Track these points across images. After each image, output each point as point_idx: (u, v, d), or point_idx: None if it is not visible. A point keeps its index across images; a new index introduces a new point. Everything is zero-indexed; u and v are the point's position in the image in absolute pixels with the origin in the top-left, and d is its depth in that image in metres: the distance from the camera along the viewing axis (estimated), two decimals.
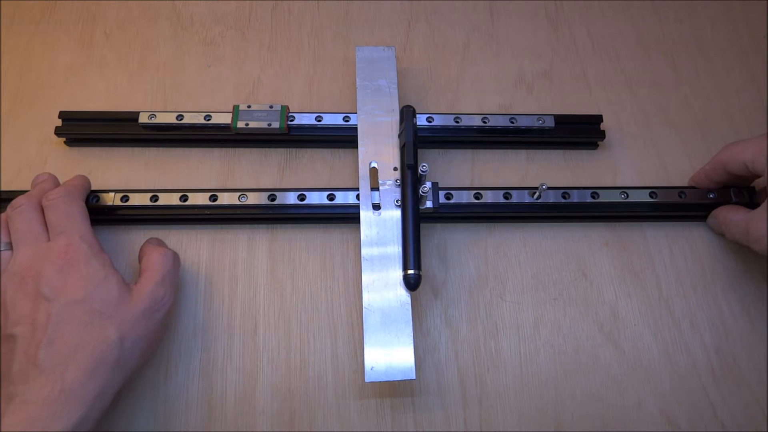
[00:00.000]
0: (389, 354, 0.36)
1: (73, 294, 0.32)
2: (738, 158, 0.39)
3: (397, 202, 0.40)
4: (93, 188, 0.42)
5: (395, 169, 0.41)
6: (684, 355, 0.41)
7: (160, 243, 0.40)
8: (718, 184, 0.43)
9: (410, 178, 0.39)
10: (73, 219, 0.35)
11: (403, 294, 0.38)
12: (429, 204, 0.41)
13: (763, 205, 0.37)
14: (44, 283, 0.32)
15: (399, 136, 0.42)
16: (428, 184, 0.40)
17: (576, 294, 0.42)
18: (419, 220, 0.39)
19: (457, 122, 0.45)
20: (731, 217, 0.41)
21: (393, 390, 0.39)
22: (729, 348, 0.41)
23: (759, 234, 0.37)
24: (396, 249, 0.39)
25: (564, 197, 0.43)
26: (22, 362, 0.30)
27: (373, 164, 0.42)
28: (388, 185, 0.41)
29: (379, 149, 0.42)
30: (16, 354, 0.30)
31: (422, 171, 0.39)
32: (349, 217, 0.42)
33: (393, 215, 0.40)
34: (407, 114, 0.42)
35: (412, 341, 0.36)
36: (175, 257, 0.38)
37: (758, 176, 0.40)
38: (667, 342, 0.41)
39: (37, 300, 0.32)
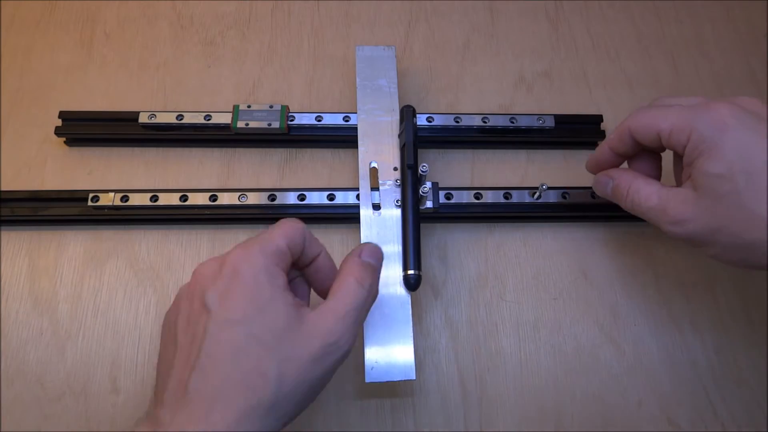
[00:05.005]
0: (389, 354, 0.36)
1: (231, 312, 0.26)
2: (651, 127, 0.33)
3: (397, 202, 0.40)
4: (93, 188, 0.42)
5: (395, 169, 0.41)
6: (684, 355, 0.41)
7: (371, 260, 0.31)
8: (620, 159, 0.37)
9: (410, 178, 0.39)
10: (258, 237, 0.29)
11: (403, 294, 0.38)
12: (429, 204, 0.41)
13: (687, 184, 0.32)
14: (210, 293, 0.27)
15: (399, 135, 0.42)
16: (428, 184, 0.40)
17: (576, 294, 0.42)
18: (419, 220, 0.39)
19: (457, 122, 0.45)
20: (643, 188, 0.34)
21: (393, 390, 0.39)
22: (729, 348, 0.41)
23: (680, 217, 0.31)
24: (396, 249, 0.39)
25: (564, 197, 0.43)
26: (176, 383, 0.26)
27: (373, 164, 0.42)
28: (388, 185, 0.41)
29: (379, 149, 0.42)
30: (174, 368, 0.26)
31: (422, 171, 0.39)
32: (349, 217, 0.42)
33: (393, 215, 0.40)
34: (407, 114, 0.42)
35: (412, 341, 0.36)
36: (372, 289, 0.30)
37: (673, 152, 0.34)
38: (667, 342, 0.41)
39: (200, 310, 0.27)
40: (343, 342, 0.28)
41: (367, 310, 0.30)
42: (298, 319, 0.27)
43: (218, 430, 0.24)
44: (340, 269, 0.30)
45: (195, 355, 0.26)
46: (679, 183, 0.34)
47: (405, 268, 0.38)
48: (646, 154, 0.36)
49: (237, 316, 0.26)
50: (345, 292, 0.29)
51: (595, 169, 0.39)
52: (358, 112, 0.44)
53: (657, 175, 0.36)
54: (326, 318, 0.28)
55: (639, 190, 0.34)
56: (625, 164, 0.38)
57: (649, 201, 0.33)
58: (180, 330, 0.27)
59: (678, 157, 0.34)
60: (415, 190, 0.39)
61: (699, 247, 0.32)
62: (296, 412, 0.27)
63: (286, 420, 0.27)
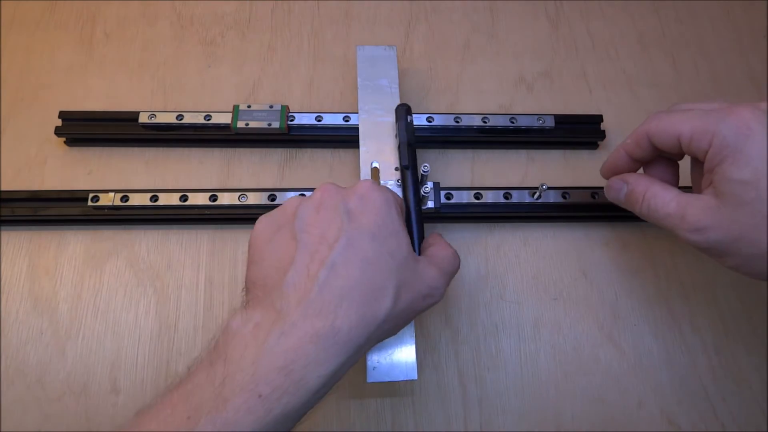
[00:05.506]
0: (391, 354, 0.36)
1: (367, 225, 0.29)
2: (671, 131, 0.32)
3: None
4: (93, 188, 0.42)
5: (396, 169, 0.41)
6: (684, 355, 0.41)
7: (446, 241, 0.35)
8: (636, 164, 0.36)
9: (410, 179, 0.39)
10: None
11: None
12: (431, 204, 0.40)
13: (708, 190, 0.30)
14: (343, 205, 0.29)
15: (396, 136, 0.42)
16: (430, 184, 0.39)
17: (576, 294, 0.42)
18: (422, 220, 0.39)
19: (457, 122, 0.45)
20: (661, 194, 0.33)
21: (393, 390, 0.39)
22: (729, 348, 0.41)
23: (701, 224, 0.30)
24: None
25: (564, 197, 0.43)
26: (301, 274, 0.27)
27: (375, 164, 0.42)
28: (390, 185, 0.41)
29: (381, 149, 0.42)
30: (296, 263, 0.28)
31: (424, 171, 0.38)
32: None
33: None
34: (400, 113, 0.41)
35: (414, 341, 0.36)
36: (459, 263, 0.34)
37: (691, 156, 0.33)
38: (667, 342, 0.41)
39: (333, 216, 0.29)
40: (440, 292, 0.31)
41: (450, 280, 0.33)
42: (414, 256, 0.31)
43: (343, 324, 0.26)
44: (437, 241, 0.34)
45: (325, 253, 0.28)
46: (698, 190, 0.33)
47: None
48: (663, 160, 0.35)
49: (373, 230, 0.29)
50: (447, 257, 0.33)
51: (610, 174, 0.38)
52: (359, 112, 0.44)
53: (674, 183, 0.35)
54: (432, 268, 0.31)
55: (656, 196, 0.33)
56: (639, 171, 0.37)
57: (667, 207, 0.32)
58: (301, 230, 0.29)
59: (697, 164, 0.33)
60: (416, 191, 0.39)
61: (719, 257, 0.31)
62: (386, 337, 0.30)
63: (378, 341, 0.29)
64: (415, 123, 0.45)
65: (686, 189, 0.36)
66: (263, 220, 0.31)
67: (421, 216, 0.39)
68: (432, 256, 0.33)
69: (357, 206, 0.30)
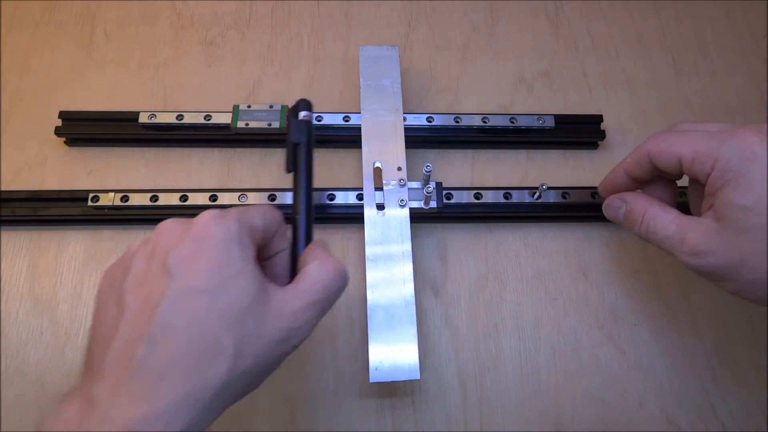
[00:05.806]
0: (394, 354, 0.36)
1: (195, 279, 0.24)
2: (672, 153, 0.31)
3: (401, 201, 0.40)
4: (93, 188, 0.42)
5: (399, 169, 0.41)
6: (684, 355, 0.41)
7: (330, 253, 0.29)
8: (635, 183, 0.36)
9: (299, 186, 0.34)
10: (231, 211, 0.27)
11: (407, 293, 0.38)
12: (433, 204, 0.41)
13: (709, 214, 0.30)
14: (174, 255, 0.25)
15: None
16: (432, 185, 0.40)
17: (576, 294, 0.42)
18: (310, 237, 0.33)
19: (457, 122, 0.45)
20: (660, 215, 0.32)
21: (393, 390, 0.39)
22: (729, 348, 0.41)
23: (701, 248, 0.30)
24: (401, 249, 0.39)
25: (564, 197, 0.43)
26: (119, 353, 0.23)
27: (377, 164, 0.42)
28: (392, 185, 0.41)
29: (383, 149, 0.42)
30: (118, 336, 0.24)
31: (426, 171, 0.39)
32: (350, 217, 0.42)
33: (397, 215, 0.40)
34: (293, 109, 0.36)
35: (416, 341, 0.36)
36: (344, 281, 0.28)
37: (692, 178, 0.33)
38: (667, 342, 0.41)
39: (160, 272, 0.25)
40: (306, 329, 0.26)
41: (334, 302, 0.28)
42: (265, 297, 0.25)
43: (161, 408, 0.22)
44: (315, 257, 0.28)
45: (145, 322, 0.23)
46: (696, 211, 0.33)
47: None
48: (661, 180, 0.35)
49: (201, 283, 0.24)
50: (320, 281, 0.27)
51: (608, 192, 0.37)
52: (361, 112, 0.44)
53: (672, 203, 0.35)
54: (296, 301, 0.26)
55: (655, 217, 0.32)
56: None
57: (666, 229, 0.32)
58: (128, 291, 0.25)
59: (696, 185, 0.33)
60: (308, 198, 0.34)
61: (719, 281, 0.30)
62: (242, 395, 0.26)
63: (230, 403, 0.25)
64: (415, 123, 0.45)
65: (681, 188, 0.36)
66: (106, 273, 0.27)
67: (310, 232, 0.33)
68: (301, 281, 0.27)
69: (189, 252, 0.25)
